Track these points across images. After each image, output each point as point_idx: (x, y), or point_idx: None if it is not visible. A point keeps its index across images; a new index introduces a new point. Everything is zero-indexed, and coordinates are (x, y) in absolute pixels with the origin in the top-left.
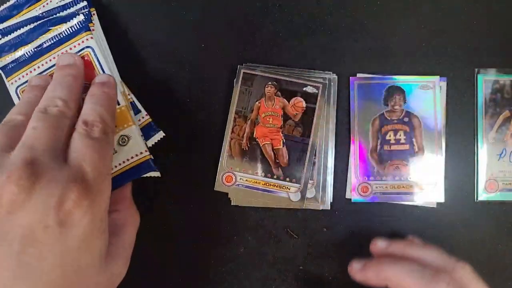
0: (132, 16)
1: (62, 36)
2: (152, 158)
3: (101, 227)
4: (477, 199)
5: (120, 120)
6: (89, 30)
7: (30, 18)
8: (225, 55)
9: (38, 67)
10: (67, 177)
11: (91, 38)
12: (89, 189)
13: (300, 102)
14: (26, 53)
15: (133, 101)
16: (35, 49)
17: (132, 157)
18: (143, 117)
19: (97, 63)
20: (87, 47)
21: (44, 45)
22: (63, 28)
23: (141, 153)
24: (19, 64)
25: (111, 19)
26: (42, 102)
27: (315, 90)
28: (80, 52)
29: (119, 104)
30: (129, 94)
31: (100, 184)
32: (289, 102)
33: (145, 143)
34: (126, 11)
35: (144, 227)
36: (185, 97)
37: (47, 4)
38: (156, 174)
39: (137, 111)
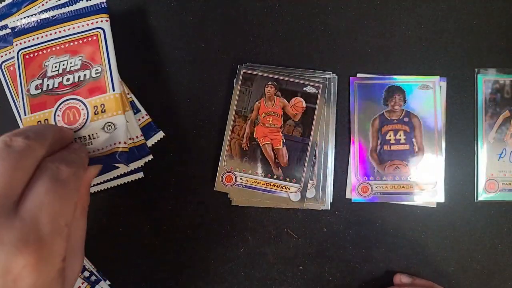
0: (132, 16)
1: (78, 13)
2: (127, 152)
3: (56, 280)
4: (477, 199)
5: (110, 107)
6: (107, 13)
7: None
8: (225, 55)
9: (46, 35)
10: (17, 237)
11: (107, 21)
12: (43, 249)
13: (300, 102)
14: (39, 20)
15: (133, 101)
16: (48, 19)
17: (107, 146)
18: (143, 117)
19: (104, 45)
20: (99, 28)
21: (57, 17)
22: (80, 5)
23: (120, 142)
24: (28, 29)
25: (111, 19)
26: (10, 133)
27: (315, 90)
28: (90, 31)
29: (114, 91)
30: (128, 94)
31: (56, 238)
32: (289, 102)
33: (127, 135)
34: (126, 11)
35: (144, 227)
36: (185, 97)
37: (46, 2)
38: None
39: (137, 111)
